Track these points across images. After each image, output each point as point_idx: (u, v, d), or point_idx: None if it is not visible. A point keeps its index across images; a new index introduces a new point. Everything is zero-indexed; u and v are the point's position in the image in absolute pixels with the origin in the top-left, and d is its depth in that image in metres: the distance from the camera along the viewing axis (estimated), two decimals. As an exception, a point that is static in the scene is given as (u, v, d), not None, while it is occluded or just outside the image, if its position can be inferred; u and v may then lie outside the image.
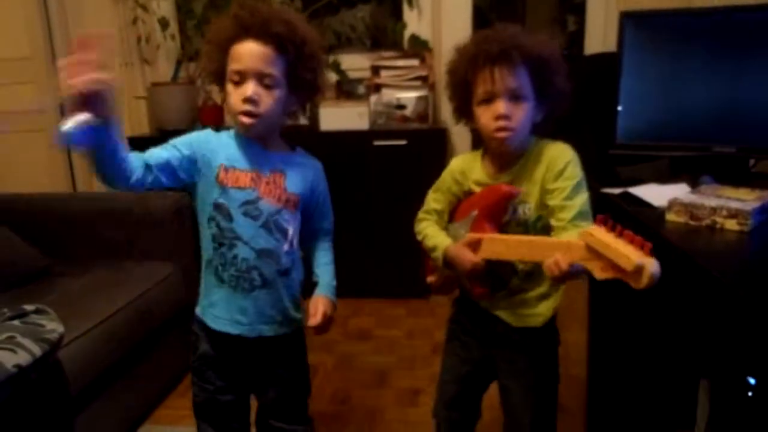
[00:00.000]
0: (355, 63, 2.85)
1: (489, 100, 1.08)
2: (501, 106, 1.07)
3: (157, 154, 1.13)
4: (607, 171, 1.58)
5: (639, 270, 0.80)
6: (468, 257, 1.10)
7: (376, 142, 2.58)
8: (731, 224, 1.13)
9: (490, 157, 1.19)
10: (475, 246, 1.09)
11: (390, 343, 2.36)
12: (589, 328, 1.63)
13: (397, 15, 2.95)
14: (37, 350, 1.23)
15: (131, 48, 2.96)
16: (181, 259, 2.04)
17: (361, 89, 2.83)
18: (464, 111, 1.16)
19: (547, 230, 1.12)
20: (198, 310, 1.26)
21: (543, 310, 1.18)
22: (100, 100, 0.90)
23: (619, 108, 1.59)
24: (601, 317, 1.60)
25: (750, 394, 0.98)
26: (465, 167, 1.21)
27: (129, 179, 1.06)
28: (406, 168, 2.57)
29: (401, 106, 2.60)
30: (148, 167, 1.09)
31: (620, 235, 0.85)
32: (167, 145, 1.16)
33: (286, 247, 1.20)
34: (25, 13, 2.91)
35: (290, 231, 1.20)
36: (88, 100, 0.89)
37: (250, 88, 1.10)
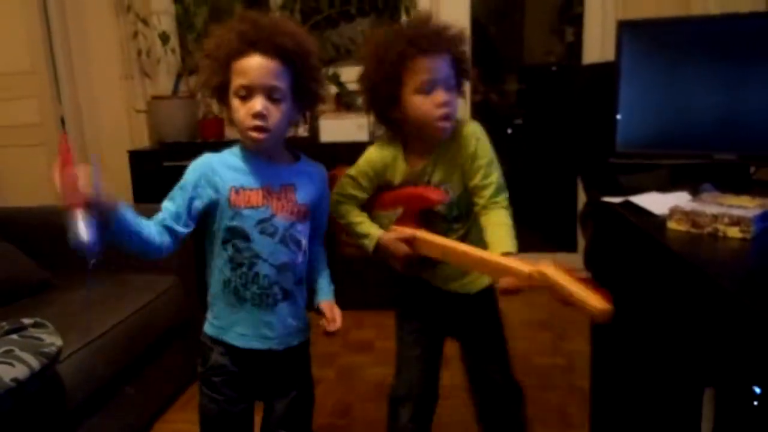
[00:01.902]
0: (355, 75, 2.81)
1: (428, 90, 1.15)
2: (442, 94, 1.15)
3: (170, 212, 1.13)
4: (608, 180, 1.58)
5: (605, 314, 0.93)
6: (402, 249, 1.22)
7: (376, 154, 2.58)
8: (733, 232, 1.13)
9: (411, 146, 1.26)
10: (408, 241, 1.21)
11: (391, 355, 2.33)
12: (593, 339, 1.62)
13: (396, 27, 2.97)
14: (36, 364, 1.23)
15: (132, 61, 2.98)
16: (182, 272, 2.04)
17: (361, 101, 2.83)
18: (388, 105, 1.23)
19: (468, 208, 1.22)
20: (210, 330, 1.23)
21: (475, 275, 1.28)
22: (95, 204, 0.99)
23: (619, 117, 1.59)
24: (604, 327, 1.59)
25: (755, 403, 0.97)
26: (387, 161, 1.28)
27: (161, 252, 1.12)
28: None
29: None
30: (169, 230, 1.12)
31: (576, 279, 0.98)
32: (174, 194, 1.15)
33: (300, 257, 1.21)
34: (26, 28, 2.93)
35: (303, 241, 1.21)
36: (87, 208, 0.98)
37: (259, 102, 1.09)
